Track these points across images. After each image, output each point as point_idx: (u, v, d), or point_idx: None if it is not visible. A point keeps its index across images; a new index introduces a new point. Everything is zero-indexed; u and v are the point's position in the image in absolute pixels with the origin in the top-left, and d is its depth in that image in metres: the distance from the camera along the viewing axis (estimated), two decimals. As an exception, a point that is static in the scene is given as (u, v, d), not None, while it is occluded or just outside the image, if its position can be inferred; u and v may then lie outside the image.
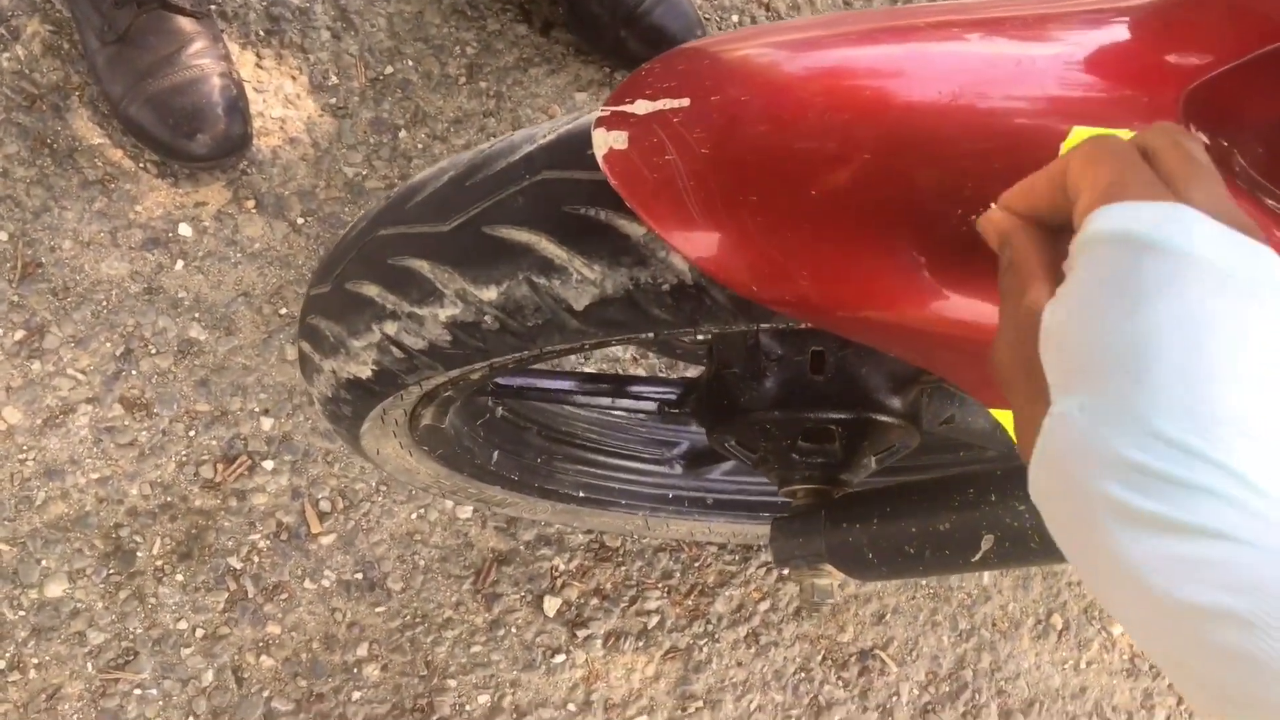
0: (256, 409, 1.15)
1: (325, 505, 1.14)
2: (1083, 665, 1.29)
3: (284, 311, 1.20)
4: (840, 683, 1.20)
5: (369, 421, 0.73)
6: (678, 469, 1.09)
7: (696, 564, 1.21)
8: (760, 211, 0.47)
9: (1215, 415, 0.31)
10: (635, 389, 0.88)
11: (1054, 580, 1.31)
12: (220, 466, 1.13)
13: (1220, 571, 0.30)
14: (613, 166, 0.48)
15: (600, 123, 0.49)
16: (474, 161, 0.58)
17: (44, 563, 1.06)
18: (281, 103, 1.28)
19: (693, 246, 0.48)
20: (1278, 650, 0.28)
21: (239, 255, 1.21)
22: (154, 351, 1.14)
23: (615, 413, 1.05)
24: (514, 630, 1.15)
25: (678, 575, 1.20)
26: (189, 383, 1.14)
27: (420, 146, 1.31)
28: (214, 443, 1.13)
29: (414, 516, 1.16)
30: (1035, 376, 0.36)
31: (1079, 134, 0.45)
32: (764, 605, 1.21)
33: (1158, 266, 0.33)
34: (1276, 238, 0.47)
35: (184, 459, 1.12)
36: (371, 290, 0.61)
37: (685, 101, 0.48)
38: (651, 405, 0.88)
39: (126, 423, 1.12)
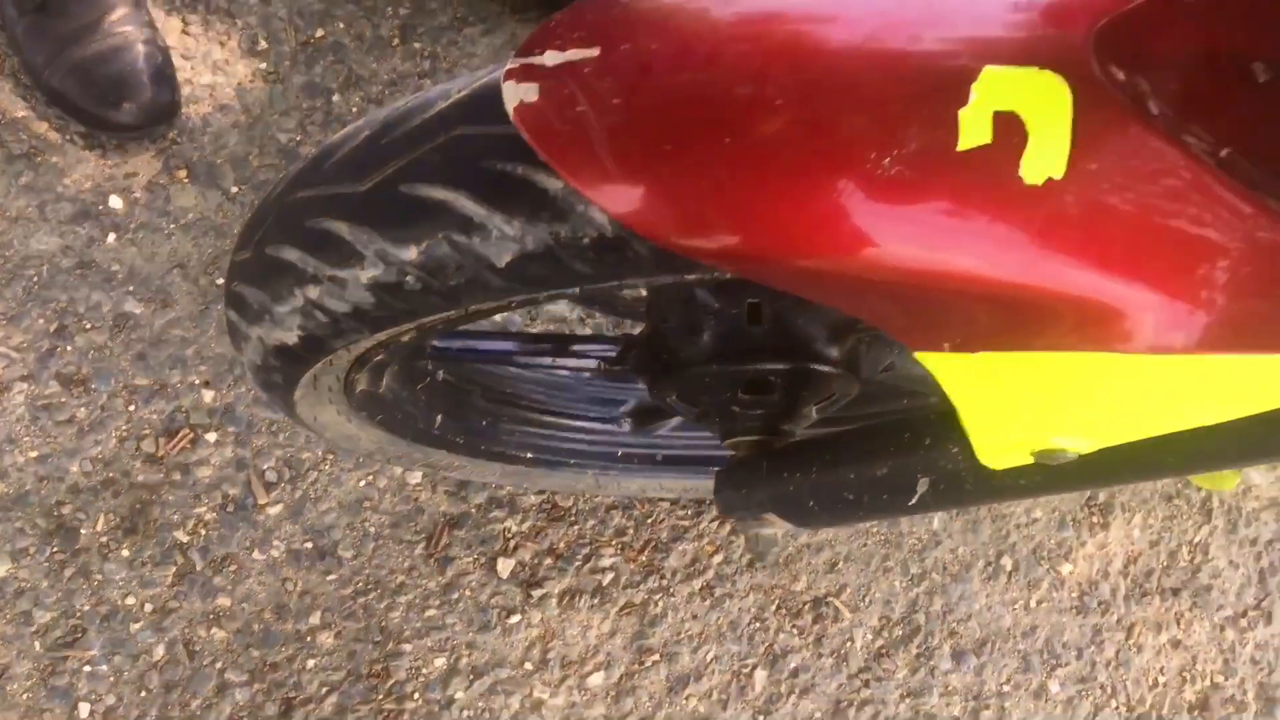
0: (197, 381, 1.13)
1: (271, 475, 1.13)
2: (1033, 604, 1.31)
3: (220, 282, 1.18)
4: (795, 631, 1.22)
5: (301, 389, 0.72)
6: (625, 426, 1.09)
7: (649, 520, 1.22)
8: (676, 161, 0.46)
9: None
10: (576, 348, 0.88)
11: (1003, 523, 1.33)
12: (162, 440, 1.11)
13: None
14: (524, 119, 0.47)
15: (510, 75, 0.48)
16: (389, 119, 0.57)
17: (-15, 545, 1.04)
18: (210, 69, 1.25)
19: (609, 199, 0.47)
20: None
21: (172, 226, 1.18)
22: (89, 327, 1.12)
23: (559, 372, 1.04)
24: (468, 593, 1.15)
25: (631, 532, 1.20)
26: (126, 357, 1.12)
27: (354, 110, 1.29)
28: (155, 417, 1.12)
29: (362, 484, 1.15)
30: None
31: (989, 74, 0.45)
32: (718, 558, 1.22)
33: None
34: (1196, 180, 0.47)
35: (125, 434, 1.10)
36: (292, 254, 0.60)
37: (595, 51, 0.47)
38: (593, 363, 0.87)
39: (64, 400, 1.10)
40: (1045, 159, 0.45)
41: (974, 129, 0.45)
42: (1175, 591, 1.34)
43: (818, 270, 0.48)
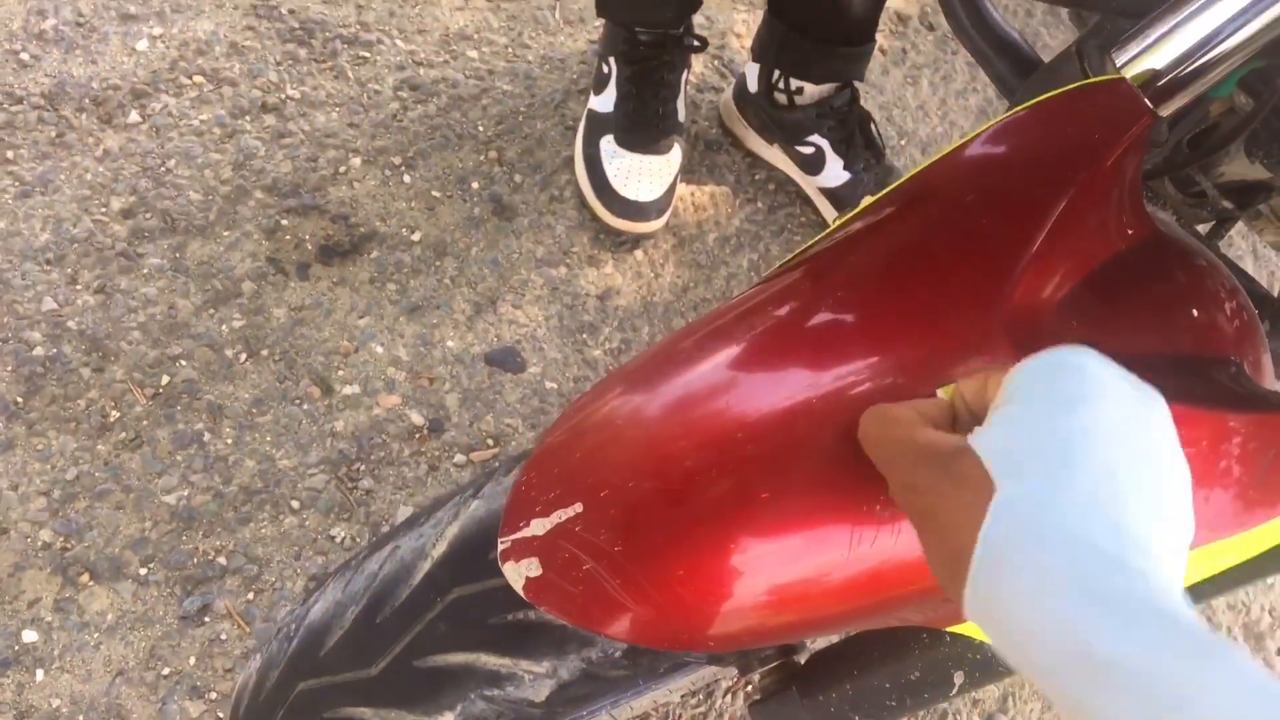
0: (185, 785, 1.08)
1: (296, 847, 1.08)
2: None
3: (166, 672, 1.13)
4: None
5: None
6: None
7: (669, 723, 1.22)
8: (694, 580, 0.47)
9: (1129, 508, 0.37)
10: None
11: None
12: None
13: None
14: (537, 595, 0.48)
15: (505, 556, 0.49)
16: (374, 591, 0.57)
17: None
18: (70, 460, 1.21)
19: (641, 634, 0.48)
20: None
21: (96, 636, 1.13)
22: (52, 778, 1.06)
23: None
24: None
25: (657, 744, 1.20)
26: (104, 793, 1.06)
27: (231, 442, 1.26)
28: (156, 841, 1.06)
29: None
30: (964, 484, 0.40)
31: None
32: (745, 730, 1.22)
33: (1082, 382, 0.40)
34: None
35: None
36: (317, 744, 0.59)
37: (578, 507, 0.48)
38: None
39: None
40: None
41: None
42: None
43: (848, 611, 0.50)
